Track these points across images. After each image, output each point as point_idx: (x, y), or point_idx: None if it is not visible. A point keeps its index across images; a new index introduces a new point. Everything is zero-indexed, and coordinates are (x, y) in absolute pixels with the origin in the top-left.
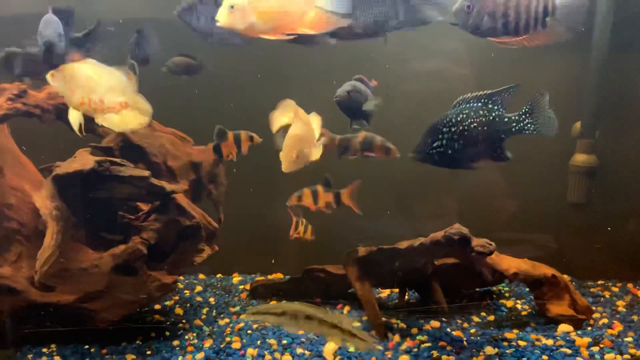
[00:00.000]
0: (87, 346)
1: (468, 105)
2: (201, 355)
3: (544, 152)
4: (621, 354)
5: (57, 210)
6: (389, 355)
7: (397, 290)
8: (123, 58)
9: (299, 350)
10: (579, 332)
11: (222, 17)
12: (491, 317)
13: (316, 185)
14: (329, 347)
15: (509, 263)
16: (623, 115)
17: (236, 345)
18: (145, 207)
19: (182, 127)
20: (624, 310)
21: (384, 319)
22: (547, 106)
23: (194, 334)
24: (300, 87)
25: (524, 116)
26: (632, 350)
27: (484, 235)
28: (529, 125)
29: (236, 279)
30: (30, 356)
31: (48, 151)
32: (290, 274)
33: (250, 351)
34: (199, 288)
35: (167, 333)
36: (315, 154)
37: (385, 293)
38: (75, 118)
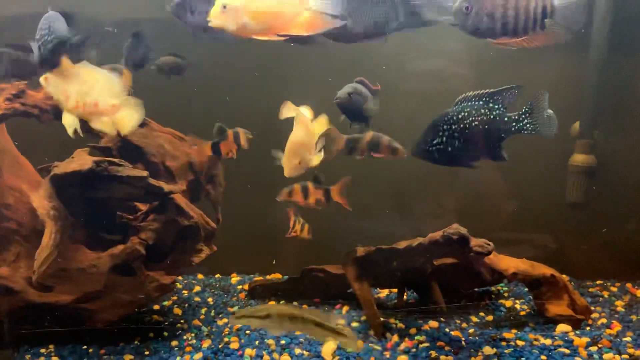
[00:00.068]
0: (85, 346)
1: (469, 104)
2: (199, 355)
3: (543, 152)
4: (619, 353)
5: (55, 210)
6: (388, 355)
7: (395, 290)
8: (117, 59)
9: (298, 351)
10: (578, 332)
11: (215, 17)
12: (490, 317)
13: (306, 181)
14: (328, 347)
15: (507, 263)
16: (622, 115)
17: (234, 345)
18: (143, 207)
19: (180, 127)
20: (623, 310)
21: (382, 318)
22: (547, 106)
23: (192, 334)
24: (298, 87)
25: (523, 116)
26: (631, 350)
27: (482, 235)
28: (528, 125)
29: (235, 279)
30: (28, 356)
31: (46, 151)
32: (289, 274)
33: (249, 351)
34: (197, 288)
35: (166, 333)
36: (315, 159)
37: (384, 293)
38: (69, 122)
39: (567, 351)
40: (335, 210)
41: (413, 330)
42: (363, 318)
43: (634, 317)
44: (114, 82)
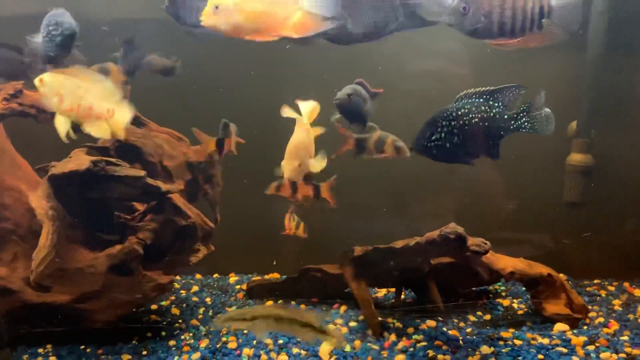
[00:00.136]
0: (83, 346)
1: (470, 101)
2: (197, 355)
3: (540, 151)
4: (617, 352)
5: (53, 210)
6: (385, 355)
7: (393, 289)
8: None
9: (295, 350)
10: (575, 331)
11: (207, 18)
12: (487, 317)
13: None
14: (325, 347)
15: (505, 262)
16: (619, 114)
17: (232, 345)
18: (141, 207)
19: (177, 126)
20: (620, 309)
21: (380, 318)
22: (545, 105)
23: (190, 334)
24: (296, 86)
25: (521, 114)
26: (628, 349)
27: (480, 235)
28: (526, 123)
29: (233, 279)
30: (25, 357)
31: (43, 151)
32: (287, 273)
33: (247, 351)
34: (195, 288)
35: (163, 333)
36: (319, 165)
37: (382, 292)
38: (62, 124)
39: (564, 350)
40: (333, 210)
41: (411, 330)
42: (361, 318)
43: (631, 316)
44: (109, 86)
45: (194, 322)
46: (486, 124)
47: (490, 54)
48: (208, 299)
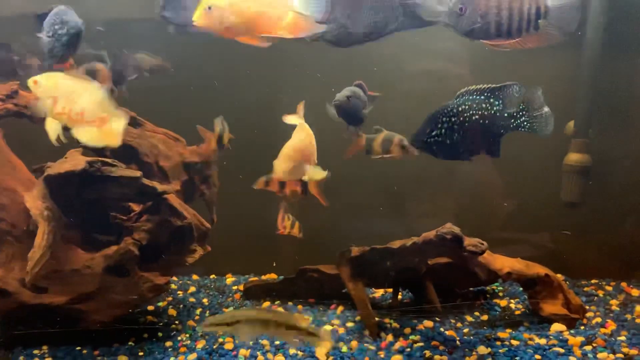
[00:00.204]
0: (79, 347)
1: (471, 98)
2: (194, 356)
3: (537, 151)
4: (614, 353)
5: (48, 211)
6: (382, 355)
7: (390, 290)
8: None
9: (292, 351)
10: (572, 331)
11: (200, 18)
12: (485, 317)
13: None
14: (322, 348)
15: (502, 262)
16: (617, 114)
17: (229, 346)
18: (137, 207)
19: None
20: (618, 309)
21: (377, 318)
22: (545, 105)
23: (187, 335)
24: (295, 85)
25: (521, 113)
26: (625, 349)
27: (478, 235)
28: (525, 123)
29: (230, 279)
30: (22, 358)
31: (39, 151)
32: (284, 274)
33: (243, 352)
34: (192, 289)
35: (160, 334)
36: (316, 174)
37: (379, 293)
38: (53, 127)
39: (561, 350)
40: (331, 209)
41: (408, 330)
42: (358, 318)
43: (628, 316)
44: (102, 94)
45: (191, 322)
46: (486, 121)
47: (489, 53)
48: (205, 300)
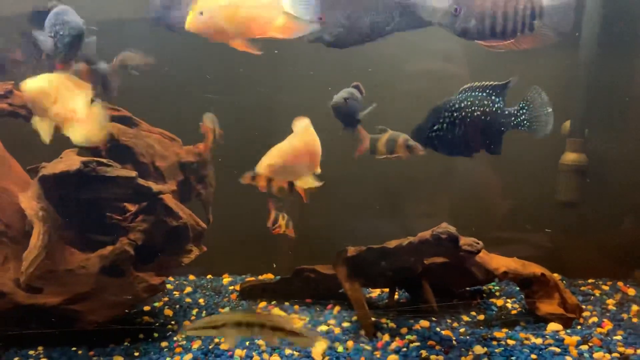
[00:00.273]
0: (74, 348)
1: (473, 94)
2: (189, 356)
3: (534, 150)
4: (610, 352)
5: (44, 211)
6: (378, 355)
7: (387, 289)
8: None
9: (288, 351)
10: (568, 330)
11: (191, 23)
12: (481, 316)
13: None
14: (318, 348)
15: (498, 262)
16: (613, 113)
17: (224, 346)
18: (132, 207)
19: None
20: (614, 308)
21: (373, 318)
22: (548, 105)
23: (183, 335)
24: (293, 84)
25: (521, 111)
26: (621, 349)
27: (474, 235)
28: (525, 122)
29: (226, 279)
30: (17, 359)
31: (34, 151)
32: (281, 274)
33: (239, 352)
34: (188, 289)
35: (156, 334)
36: (306, 182)
37: (375, 293)
38: (46, 128)
39: (557, 350)
40: (329, 209)
41: (404, 330)
42: (354, 318)
43: (625, 316)
44: (88, 91)
45: (187, 323)
46: (487, 118)
47: (487, 53)
48: (201, 300)
